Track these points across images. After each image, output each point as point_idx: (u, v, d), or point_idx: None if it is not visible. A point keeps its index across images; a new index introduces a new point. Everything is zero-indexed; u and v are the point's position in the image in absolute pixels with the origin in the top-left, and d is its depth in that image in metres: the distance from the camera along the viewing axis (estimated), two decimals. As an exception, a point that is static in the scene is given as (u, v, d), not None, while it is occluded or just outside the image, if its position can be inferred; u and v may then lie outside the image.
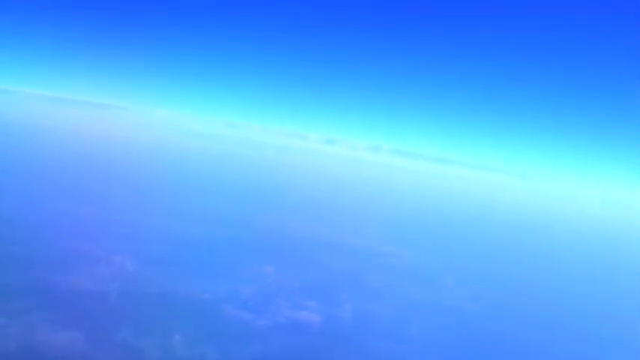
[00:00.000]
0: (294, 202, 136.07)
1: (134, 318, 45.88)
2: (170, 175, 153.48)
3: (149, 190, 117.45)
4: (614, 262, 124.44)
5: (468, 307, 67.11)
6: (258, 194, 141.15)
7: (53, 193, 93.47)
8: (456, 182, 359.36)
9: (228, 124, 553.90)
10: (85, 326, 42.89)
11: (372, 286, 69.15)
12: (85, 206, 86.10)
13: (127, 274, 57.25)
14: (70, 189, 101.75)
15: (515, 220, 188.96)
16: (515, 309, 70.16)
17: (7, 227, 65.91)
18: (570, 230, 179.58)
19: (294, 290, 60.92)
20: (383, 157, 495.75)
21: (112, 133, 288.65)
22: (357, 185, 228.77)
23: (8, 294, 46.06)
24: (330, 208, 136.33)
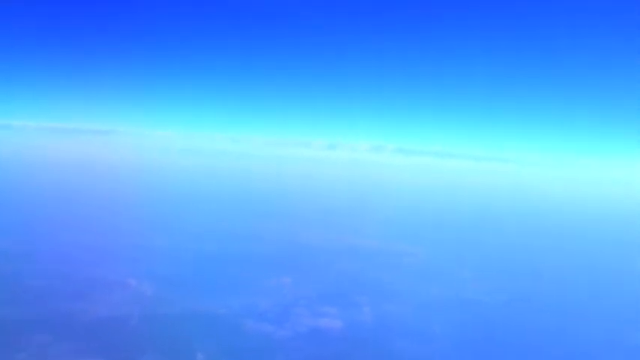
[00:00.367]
0: (302, 211, 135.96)
1: (156, 341, 45.84)
2: (174, 195, 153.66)
3: (155, 212, 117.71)
4: (631, 242, 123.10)
5: (489, 299, 66.61)
6: (265, 206, 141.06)
7: (59, 224, 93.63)
8: (461, 175, 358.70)
9: (230, 139, 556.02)
10: (108, 353, 42.86)
11: (390, 286, 68.83)
12: (92, 234, 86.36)
13: (144, 298, 57.20)
14: (75, 218, 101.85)
15: (524, 208, 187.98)
16: (537, 297, 69.28)
17: (18, 260, 66.14)
18: (581, 212, 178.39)
19: (312, 298, 60.71)
20: (386, 157, 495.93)
21: (110, 158, 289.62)
22: (363, 188, 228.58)
23: (28, 328, 46.09)
24: (339, 214, 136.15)
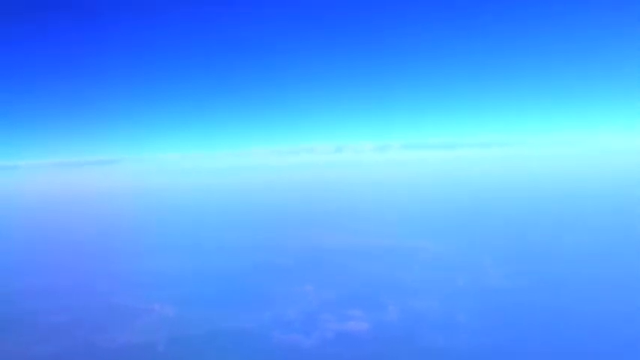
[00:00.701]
0: (314, 217, 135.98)
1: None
2: (185, 216, 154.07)
3: (168, 234, 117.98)
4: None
5: (511, 284, 66.09)
6: (277, 217, 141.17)
7: (74, 257, 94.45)
8: (467, 164, 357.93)
9: (234, 155, 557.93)
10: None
11: (411, 283, 68.50)
12: (109, 263, 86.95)
13: (168, 321, 57.26)
14: (89, 249, 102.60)
15: (535, 189, 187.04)
16: (559, 277, 68.54)
17: (37, 298, 66.53)
18: (590, 188, 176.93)
19: (336, 303, 60.56)
20: (392, 155, 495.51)
21: (117, 186, 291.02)
22: (372, 188, 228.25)
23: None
24: (351, 216, 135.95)
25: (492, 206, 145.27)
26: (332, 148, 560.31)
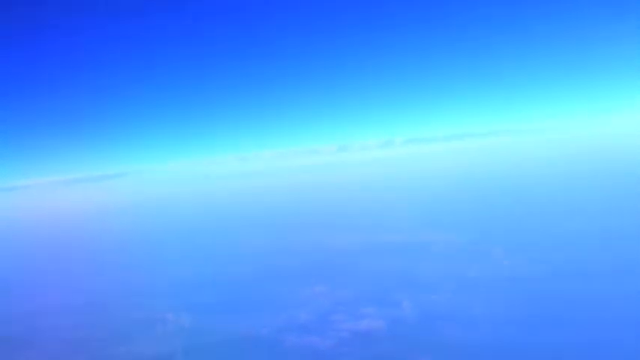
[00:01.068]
0: (322, 217, 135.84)
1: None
2: (193, 223, 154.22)
3: (178, 243, 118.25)
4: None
5: (524, 272, 65.64)
6: (285, 219, 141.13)
7: (86, 273, 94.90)
8: (472, 155, 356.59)
9: (239, 159, 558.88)
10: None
11: (423, 277, 68.17)
12: (122, 276, 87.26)
13: (184, 330, 57.40)
14: (100, 264, 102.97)
15: (542, 176, 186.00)
16: (573, 264, 67.94)
17: (53, 316, 66.89)
18: (603, 171, 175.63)
19: (349, 302, 60.45)
20: (396, 150, 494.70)
21: (123, 199, 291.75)
22: (378, 185, 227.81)
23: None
24: (359, 214, 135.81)
25: (500, 195, 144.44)
26: (335, 148, 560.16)
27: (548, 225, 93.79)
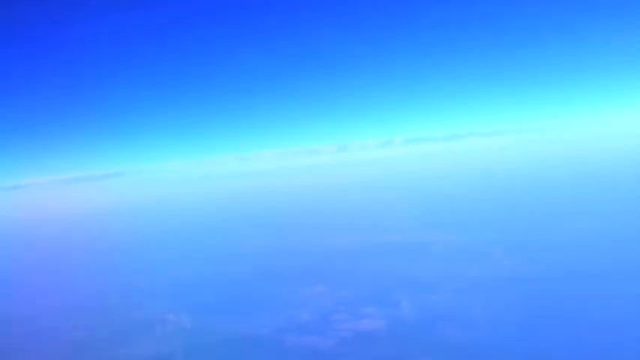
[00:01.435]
0: (322, 217, 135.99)
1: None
2: (193, 224, 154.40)
3: (179, 243, 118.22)
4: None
5: (523, 273, 65.58)
6: (285, 219, 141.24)
7: (85, 272, 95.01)
8: (471, 154, 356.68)
9: (239, 159, 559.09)
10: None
11: (424, 277, 68.18)
12: (122, 276, 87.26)
13: (184, 331, 57.40)
14: (100, 263, 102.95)
15: (541, 176, 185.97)
16: (572, 265, 67.82)
17: (53, 317, 66.94)
18: (603, 173, 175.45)
19: (349, 302, 60.49)
20: (396, 150, 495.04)
21: (122, 199, 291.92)
22: (377, 185, 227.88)
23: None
24: (359, 214, 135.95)
25: (499, 195, 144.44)
26: (335, 148, 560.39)
27: (548, 225, 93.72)
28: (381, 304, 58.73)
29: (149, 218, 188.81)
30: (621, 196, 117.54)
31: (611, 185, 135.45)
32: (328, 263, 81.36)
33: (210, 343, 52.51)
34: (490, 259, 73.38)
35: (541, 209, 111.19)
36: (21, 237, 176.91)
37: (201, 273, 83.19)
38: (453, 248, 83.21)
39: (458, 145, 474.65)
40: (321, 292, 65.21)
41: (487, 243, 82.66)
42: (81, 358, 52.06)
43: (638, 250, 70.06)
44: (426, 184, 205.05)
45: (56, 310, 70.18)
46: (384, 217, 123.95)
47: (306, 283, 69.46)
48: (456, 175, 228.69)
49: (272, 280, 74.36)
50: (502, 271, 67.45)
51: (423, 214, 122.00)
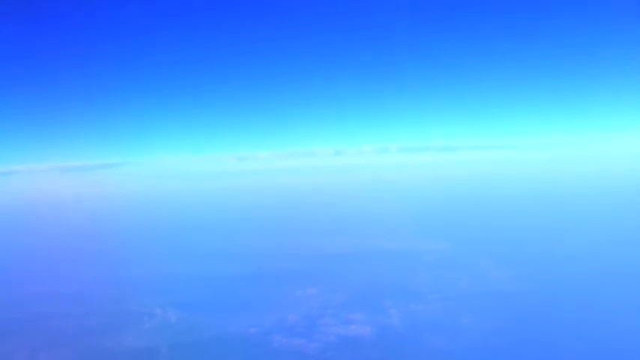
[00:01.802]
0: (317, 221, 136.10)
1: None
2: (187, 220, 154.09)
3: (171, 239, 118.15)
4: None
5: (512, 287, 66.05)
6: (279, 221, 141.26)
7: (77, 262, 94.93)
8: (468, 166, 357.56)
9: (235, 158, 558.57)
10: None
11: (413, 286, 68.61)
12: (112, 268, 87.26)
13: (171, 325, 57.52)
14: (92, 254, 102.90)
15: (533, 191, 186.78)
16: (560, 279, 68.45)
17: (43, 304, 66.93)
18: (591, 190, 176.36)
19: (338, 306, 60.77)
20: (392, 158, 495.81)
21: (119, 191, 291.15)
22: (372, 191, 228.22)
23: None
24: (353, 220, 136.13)
25: (492, 208, 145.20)
26: (332, 151, 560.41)
27: (540, 240, 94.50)
28: (370, 310, 59.01)
29: (145, 212, 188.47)
30: (613, 213, 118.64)
31: (604, 203, 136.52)
32: (321, 266, 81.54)
33: (196, 340, 52.64)
34: (479, 271, 73.90)
35: (533, 223, 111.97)
36: (13, 222, 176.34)
37: (192, 270, 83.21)
38: (444, 258, 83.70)
39: (454, 156, 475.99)
40: (312, 295, 65.42)
41: (478, 254, 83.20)
42: (66, 345, 52.02)
43: (627, 265, 71.03)
44: (421, 194, 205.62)
45: (45, 297, 70.13)
46: (378, 224, 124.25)
47: (297, 285, 69.63)
48: (450, 186, 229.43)
49: (263, 280, 74.50)
50: (491, 284, 67.92)
51: (417, 223, 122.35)
